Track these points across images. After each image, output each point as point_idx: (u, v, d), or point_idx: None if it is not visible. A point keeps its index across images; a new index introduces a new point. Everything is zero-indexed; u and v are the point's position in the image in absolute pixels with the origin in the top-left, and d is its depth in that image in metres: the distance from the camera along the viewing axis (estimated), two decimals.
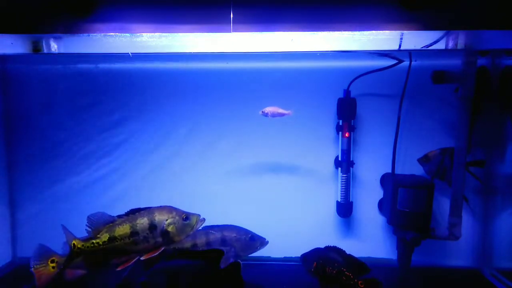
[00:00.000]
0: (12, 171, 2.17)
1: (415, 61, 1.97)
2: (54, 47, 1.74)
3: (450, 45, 1.66)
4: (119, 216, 1.66)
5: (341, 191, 2.05)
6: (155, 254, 1.64)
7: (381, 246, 2.15)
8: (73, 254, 1.62)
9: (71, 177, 2.17)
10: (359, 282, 1.60)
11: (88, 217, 1.64)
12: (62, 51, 1.81)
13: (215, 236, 1.88)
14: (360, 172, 2.13)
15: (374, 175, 2.12)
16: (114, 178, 2.17)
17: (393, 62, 1.96)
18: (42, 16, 1.46)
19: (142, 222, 1.64)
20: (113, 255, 1.65)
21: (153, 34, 1.49)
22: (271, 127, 2.12)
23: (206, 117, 2.14)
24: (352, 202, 2.08)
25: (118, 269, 1.62)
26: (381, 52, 1.85)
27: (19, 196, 2.17)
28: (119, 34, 1.49)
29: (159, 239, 1.64)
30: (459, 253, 2.10)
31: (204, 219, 1.70)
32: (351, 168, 2.05)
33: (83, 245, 1.62)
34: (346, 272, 1.62)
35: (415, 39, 1.65)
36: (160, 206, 1.69)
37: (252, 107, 2.05)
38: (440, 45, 1.65)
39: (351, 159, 2.04)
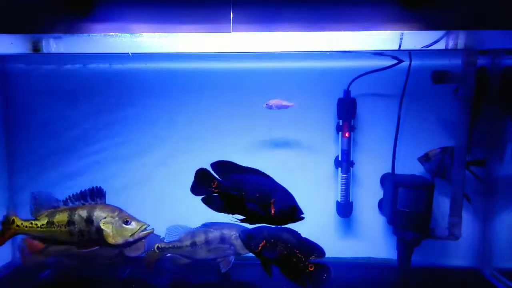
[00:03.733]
0: (12, 171, 2.17)
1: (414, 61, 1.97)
2: (54, 47, 1.74)
3: (450, 45, 1.66)
4: (65, 201, 1.60)
5: (341, 191, 2.05)
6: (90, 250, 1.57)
7: (381, 246, 2.14)
8: (6, 229, 1.57)
9: (72, 177, 2.16)
10: (310, 265, 1.52)
11: (32, 193, 1.60)
12: (62, 51, 1.81)
13: (214, 234, 1.87)
14: (360, 172, 2.13)
15: (374, 175, 2.12)
16: (118, 176, 2.16)
17: (393, 61, 1.96)
18: (42, 16, 1.46)
19: (81, 213, 1.56)
20: (51, 241, 1.60)
21: (153, 34, 1.49)
22: (270, 127, 2.12)
23: (205, 117, 2.14)
24: (352, 202, 2.08)
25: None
26: (382, 52, 1.85)
27: (19, 196, 2.16)
28: (119, 34, 1.49)
29: (95, 236, 1.55)
30: (459, 253, 2.10)
31: (152, 230, 1.59)
32: (351, 168, 2.05)
33: (22, 223, 1.57)
34: (298, 254, 1.52)
35: (415, 39, 1.65)
36: (107, 204, 1.61)
37: (252, 107, 2.05)
38: (440, 45, 1.65)
39: (351, 159, 2.04)
